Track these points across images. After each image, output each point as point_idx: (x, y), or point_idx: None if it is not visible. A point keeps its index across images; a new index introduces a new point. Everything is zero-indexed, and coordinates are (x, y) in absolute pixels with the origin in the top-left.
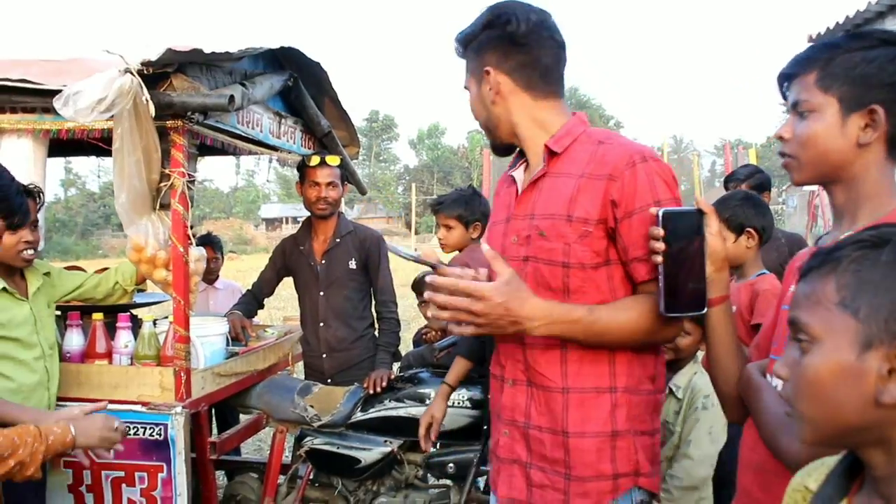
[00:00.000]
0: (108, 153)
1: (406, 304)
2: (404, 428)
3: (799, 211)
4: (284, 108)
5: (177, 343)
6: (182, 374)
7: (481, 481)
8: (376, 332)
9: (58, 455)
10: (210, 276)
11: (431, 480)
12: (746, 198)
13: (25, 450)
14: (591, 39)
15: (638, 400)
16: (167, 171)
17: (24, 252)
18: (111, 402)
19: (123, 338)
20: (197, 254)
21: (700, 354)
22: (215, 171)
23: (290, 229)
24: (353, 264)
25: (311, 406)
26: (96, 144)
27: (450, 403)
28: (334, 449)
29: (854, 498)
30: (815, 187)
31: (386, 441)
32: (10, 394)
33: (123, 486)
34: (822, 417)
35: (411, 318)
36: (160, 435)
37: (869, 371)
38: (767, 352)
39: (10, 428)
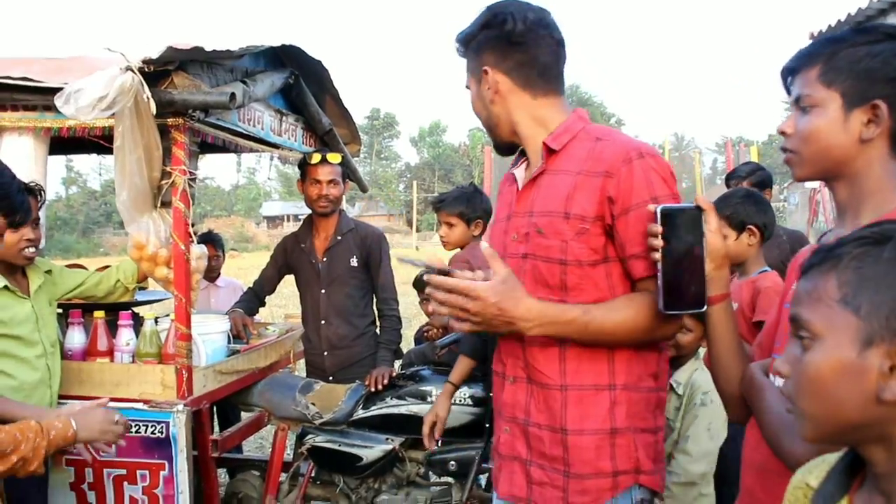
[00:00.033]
0: (109, 151)
1: (407, 301)
2: (406, 425)
3: (800, 208)
4: (285, 106)
5: (178, 341)
6: (183, 372)
7: (483, 479)
8: (378, 330)
9: (60, 449)
10: (211, 274)
11: (433, 478)
12: (748, 195)
13: (28, 445)
14: (591, 37)
15: (638, 397)
16: (168, 168)
17: (26, 250)
18: (112, 399)
19: (125, 336)
20: (198, 251)
21: (702, 351)
22: (216, 169)
23: (291, 227)
24: (354, 262)
25: (313, 404)
26: (97, 142)
27: (452, 401)
28: (336, 447)
29: (855, 495)
30: (816, 184)
31: (387, 439)
32: (12, 392)
33: (125, 483)
34: (823, 414)
35: (413, 315)
36: (162, 433)
37: (870, 368)
38: (770, 351)
39: (11, 424)
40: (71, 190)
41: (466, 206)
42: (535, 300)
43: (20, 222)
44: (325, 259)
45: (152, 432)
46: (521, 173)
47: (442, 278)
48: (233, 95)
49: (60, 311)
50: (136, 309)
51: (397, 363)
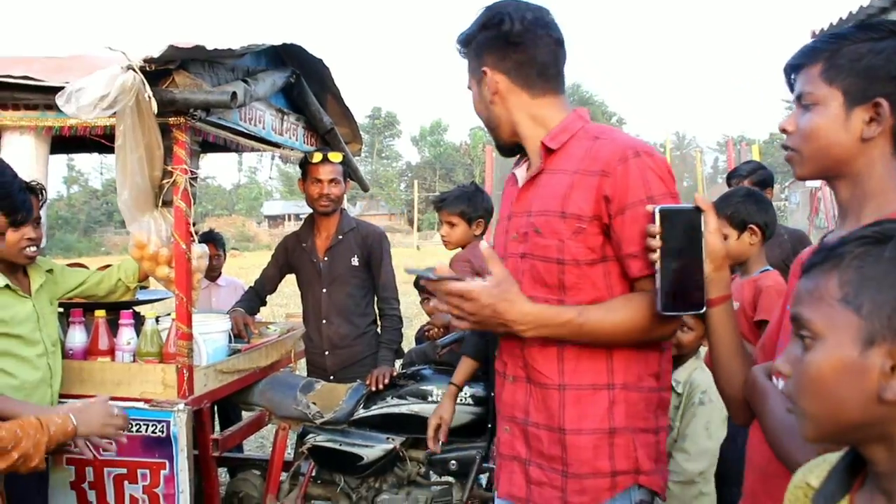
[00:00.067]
0: (110, 150)
1: (408, 300)
2: (406, 425)
3: (802, 207)
4: (287, 105)
5: (179, 340)
6: (184, 371)
7: (483, 478)
8: (379, 329)
9: (61, 445)
10: (212, 273)
11: (434, 477)
12: (749, 194)
13: (28, 441)
14: (592, 37)
15: (638, 397)
16: (170, 167)
17: (27, 249)
18: (113, 398)
19: (126, 335)
20: (199, 251)
21: (703, 350)
22: (218, 168)
23: (292, 226)
24: (355, 261)
25: (314, 403)
26: (99, 141)
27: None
28: (336, 446)
29: (856, 494)
30: (817, 183)
31: (388, 438)
32: (13, 391)
33: (126, 482)
34: (824, 414)
35: (414, 314)
36: (162, 432)
37: (871, 368)
38: (773, 353)
39: (11, 421)
40: (72, 189)
41: (468, 205)
42: (529, 303)
43: (21, 221)
44: (326, 258)
45: (153, 431)
46: (521, 173)
47: (439, 282)
48: (234, 94)
49: (61, 310)
50: (137, 308)
51: (398, 362)
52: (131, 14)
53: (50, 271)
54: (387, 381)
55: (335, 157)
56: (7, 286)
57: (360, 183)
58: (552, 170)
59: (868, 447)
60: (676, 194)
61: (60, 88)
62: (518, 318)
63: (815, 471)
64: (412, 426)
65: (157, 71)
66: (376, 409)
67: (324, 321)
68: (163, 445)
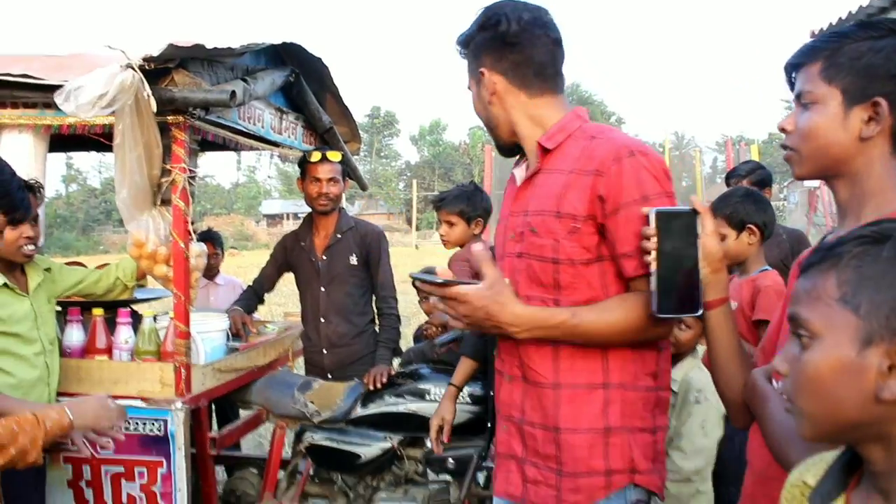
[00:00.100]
0: (109, 149)
1: (407, 300)
2: (404, 423)
3: (800, 207)
4: (286, 104)
5: (177, 339)
6: (182, 370)
7: (481, 477)
8: (377, 328)
9: (58, 440)
10: (211, 272)
11: (431, 476)
12: (747, 194)
13: (25, 437)
14: (592, 36)
15: (635, 396)
16: (168, 166)
17: (25, 247)
18: (111, 397)
19: (124, 333)
20: (198, 249)
21: (701, 349)
22: (216, 167)
23: (291, 225)
24: (353, 260)
25: (312, 402)
26: (97, 140)
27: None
28: (334, 444)
29: (852, 493)
30: (816, 183)
31: (386, 437)
32: (11, 389)
33: (123, 481)
34: (821, 413)
35: (412, 314)
36: (160, 430)
37: (869, 367)
38: (773, 355)
39: (7, 417)
40: (71, 187)
41: (467, 204)
42: (521, 305)
43: (19, 219)
44: (324, 257)
45: (151, 430)
46: (520, 173)
47: (433, 285)
48: (233, 93)
49: (59, 308)
50: (135, 307)
51: (396, 361)
52: (131, 13)
53: (48, 270)
54: (385, 379)
55: (334, 156)
56: (5, 284)
57: (358, 182)
58: (549, 169)
59: (865, 446)
60: (672, 194)
61: (59, 87)
62: (510, 319)
63: (812, 469)
64: (410, 425)
65: (157, 69)
66: (374, 408)
67: (322, 320)
68: (160, 444)
